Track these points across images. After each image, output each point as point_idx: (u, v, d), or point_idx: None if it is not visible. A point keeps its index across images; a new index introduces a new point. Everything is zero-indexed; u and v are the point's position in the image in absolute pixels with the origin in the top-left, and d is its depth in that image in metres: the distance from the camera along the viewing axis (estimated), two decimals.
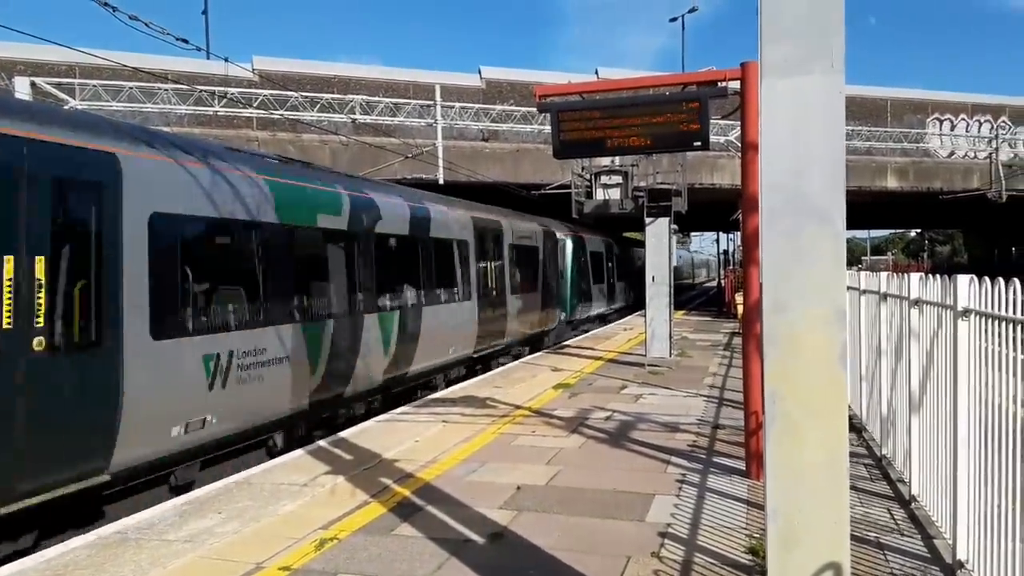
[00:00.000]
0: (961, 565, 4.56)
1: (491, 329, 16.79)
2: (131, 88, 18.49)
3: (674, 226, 15.89)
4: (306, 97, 20.48)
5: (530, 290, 19.65)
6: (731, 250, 49.24)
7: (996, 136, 28.87)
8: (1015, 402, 3.73)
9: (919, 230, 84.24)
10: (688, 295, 51.73)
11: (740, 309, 20.49)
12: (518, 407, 10.81)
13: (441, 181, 20.80)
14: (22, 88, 16.66)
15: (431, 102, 22.35)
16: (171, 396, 7.48)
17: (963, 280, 4.48)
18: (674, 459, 7.72)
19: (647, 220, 15.29)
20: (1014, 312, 3.71)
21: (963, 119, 29.99)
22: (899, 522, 5.68)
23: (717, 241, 61.23)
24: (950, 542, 4.81)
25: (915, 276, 5.89)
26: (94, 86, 18.31)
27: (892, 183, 28.29)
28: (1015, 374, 3.74)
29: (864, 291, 8.22)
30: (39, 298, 6.14)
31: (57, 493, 6.23)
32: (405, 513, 6.20)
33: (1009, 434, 3.78)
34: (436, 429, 9.41)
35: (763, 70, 2.89)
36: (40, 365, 6.14)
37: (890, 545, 5.22)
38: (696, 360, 15.80)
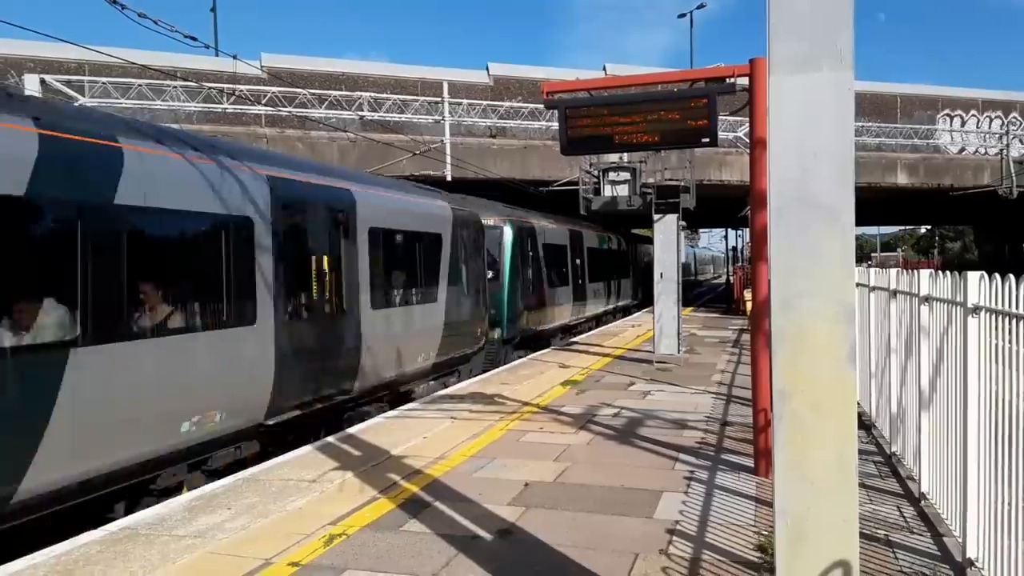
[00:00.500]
0: (971, 563, 4.54)
1: (316, 369, 9.64)
2: (140, 86, 18.58)
3: (682, 223, 15.85)
4: (314, 94, 20.51)
5: (422, 299, 12.95)
6: (740, 247, 49.14)
7: (1007, 132, 28.68)
8: None
9: (929, 227, 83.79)
10: (696, 292, 51.64)
11: (749, 306, 20.43)
12: (526, 404, 10.82)
13: (449, 178, 20.81)
14: (32, 86, 16.74)
15: (439, 99, 22.35)
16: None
17: (973, 277, 4.45)
18: (682, 456, 7.71)
19: (655, 217, 15.26)
20: None
21: (973, 115, 29.79)
22: (908, 520, 5.66)
23: (725, 238, 61.19)
24: (960, 540, 4.79)
25: (925, 273, 5.86)
26: (103, 84, 18.40)
27: (902, 179, 28.13)
28: None
29: (874, 288, 8.18)
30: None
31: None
32: (414, 509, 6.21)
33: (1020, 431, 3.76)
34: (444, 425, 9.43)
35: (772, 66, 2.87)
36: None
37: (899, 543, 5.20)
38: (705, 357, 15.77)
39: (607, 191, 15.29)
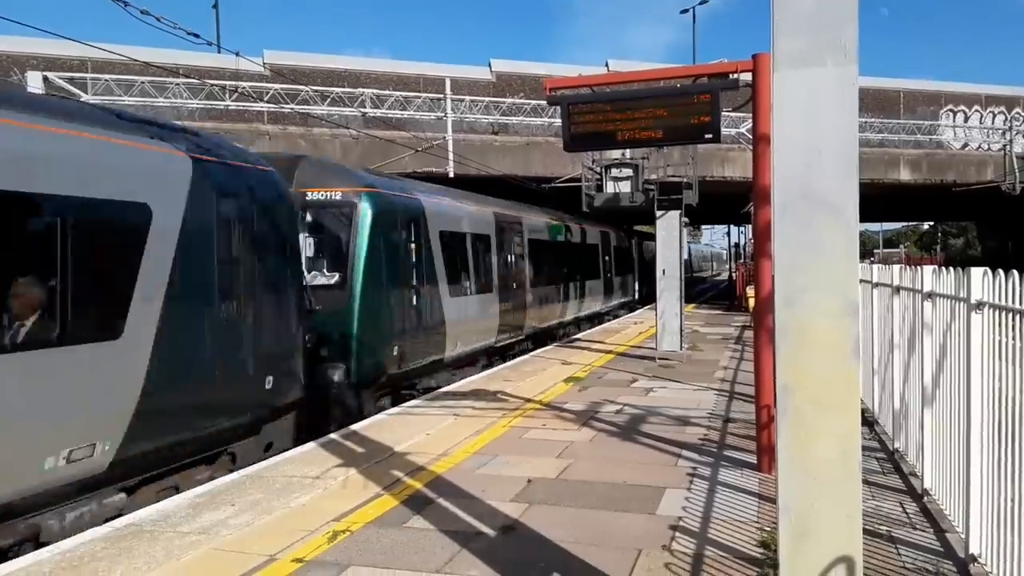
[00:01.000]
0: (974, 559, 4.54)
1: None
2: (143, 83, 18.59)
3: (685, 219, 15.84)
4: (316, 91, 20.50)
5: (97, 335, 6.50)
6: (742, 243, 49.11)
7: (1010, 128, 28.58)
8: None
9: (932, 223, 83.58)
10: (699, 288, 51.62)
11: (751, 302, 20.41)
12: (529, 400, 10.82)
13: (451, 174, 20.80)
14: (35, 82, 16.77)
15: (441, 95, 22.34)
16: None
17: (977, 273, 4.45)
18: (685, 452, 7.71)
19: (658, 213, 15.22)
20: None
21: (977, 110, 29.70)
22: (911, 516, 5.66)
23: (728, 234, 61.13)
24: (963, 536, 4.79)
25: (928, 269, 5.85)
26: (106, 80, 18.41)
27: (905, 175, 28.06)
28: None
29: (877, 284, 8.17)
30: None
31: None
32: (417, 506, 6.23)
33: (1022, 428, 3.76)
34: (447, 422, 9.44)
35: (776, 61, 2.87)
36: None
37: (902, 539, 5.20)
38: (707, 354, 15.76)
39: (609, 187, 15.26)
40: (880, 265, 8.75)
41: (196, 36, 9.08)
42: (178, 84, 19.05)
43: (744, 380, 11.87)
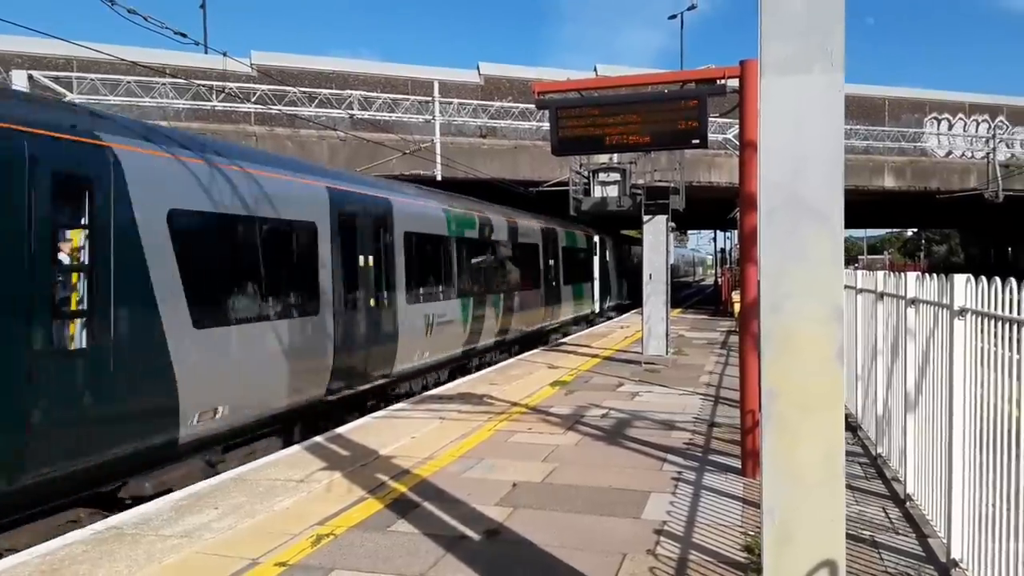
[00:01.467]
0: (955, 564, 4.57)
1: None
2: (129, 82, 18.46)
3: (672, 224, 15.89)
4: (304, 92, 20.43)
5: None
6: (728, 248, 49.32)
7: (994, 136, 28.90)
8: (1010, 402, 3.74)
9: (916, 229, 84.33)
10: (684, 293, 51.79)
11: (737, 308, 20.50)
12: (514, 404, 10.81)
13: (439, 177, 20.78)
14: (20, 81, 16.61)
15: (429, 98, 22.32)
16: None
17: (960, 279, 4.48)
18: (670, 457, 7.73)
19: (645, 218, 15.28)
20: (1010, 311, 3.72)
21: (960, 119, 29.99)
22: (894, 521, 5.70)
23: (714, 239, 61.37)
24: (945, 541, 4.83)
25: (912, 275, 5.89)
26: (92, 80, 18.27)
27: (889, 182, 28.29)
28: (1011, 374, 3.74)
29: (861, 290, 8.23)
30: None
31: None
32: (402, 509, 6.20)
33: (1004, 434, 3.79)
34: (432, 426, 9.41)
35: (763, 68, 2.88)
36: None
37: (885, 543, 5.23)
38: (693, 358, 15.82)
39: (597, 192, 15.30)
40: (864, 271, 8.81)
41: (183, 36, 9.03)
42: (164, 84, 18.93)
43: (729, 385, 11.91)
